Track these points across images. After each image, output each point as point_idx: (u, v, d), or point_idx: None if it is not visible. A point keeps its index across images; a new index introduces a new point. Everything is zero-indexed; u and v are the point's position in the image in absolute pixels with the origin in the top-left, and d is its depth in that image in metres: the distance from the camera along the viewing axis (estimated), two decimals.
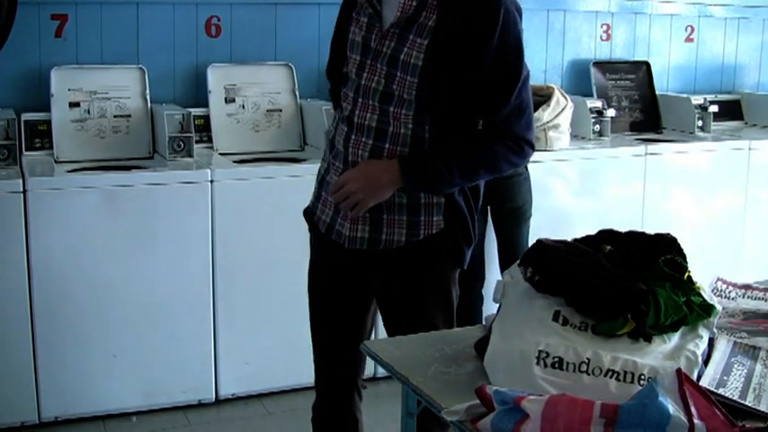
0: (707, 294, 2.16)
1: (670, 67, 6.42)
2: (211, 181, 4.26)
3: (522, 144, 2.66)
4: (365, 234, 2.70)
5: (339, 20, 2.85)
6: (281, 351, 4.45)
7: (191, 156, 4.50)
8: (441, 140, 2.63)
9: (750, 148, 5.70)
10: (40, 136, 4.57)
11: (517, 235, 4.66)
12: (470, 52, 2.55)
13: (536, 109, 4.80)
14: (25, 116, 4.54)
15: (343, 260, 2.79)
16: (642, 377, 1.91)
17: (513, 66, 2.60)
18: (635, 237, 2.23)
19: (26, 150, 4.51)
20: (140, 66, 4.76)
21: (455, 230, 2.75)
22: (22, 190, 4.01)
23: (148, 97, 4.72)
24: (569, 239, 2.23)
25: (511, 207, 4.65)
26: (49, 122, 4.56)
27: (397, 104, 2.61)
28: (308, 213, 2.91)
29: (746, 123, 6.43)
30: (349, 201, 2.62)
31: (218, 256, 4.31)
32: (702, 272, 2.30)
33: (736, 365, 2.06)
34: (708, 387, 1.88)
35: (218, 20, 5.00)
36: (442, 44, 2.55)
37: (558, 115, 5.04)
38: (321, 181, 2.85)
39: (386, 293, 2.83)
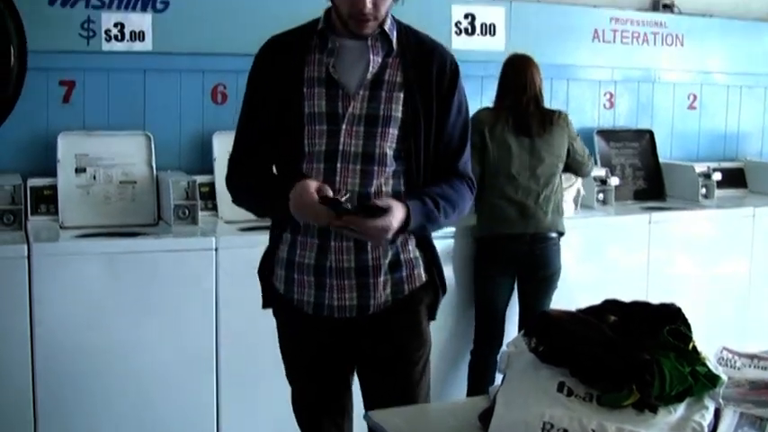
0: (712, 364, 2.15)
1: (673, 135, 6.46)
2: (216, 249, 4.26)
3: (473, 187, 2.86)
4: (353, 301, 2.73)
5: (252, 103, 2.83)
6: (285, 419, 4.40)
7: (195, 223, 4.51)
8: (414, 188, 2.71)
9: (754, 216, 5.72)
10: (46, 201, 4.57)
11: (544, 304, 4.67)
12: (438, 105, 2.72)
13: None
14: (31, 181, 4.56)
15: (330, 332, 2.79)
16: None
17: (466, 118, 2.83)
18: (639, 307, 2.23)
19: (31, 215, 4.52)
20: (146, 132, 4.79)
21: (436, 282, 2.84)
22: (26, 255, 4.00)
23: (154, 164, 4.74)
24: (574, 309, 2.22)
25: (543, 275, 4.69)
26: (54, 188, 4.58)
27: (379, 162, 2.67)
28: (280, 300, 2.86)
29: (750, 191, 6.45)
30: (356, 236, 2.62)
31: (221, 323, 4.29)
32: (708, 341, 2.29)
33: None
34: None
35: (225, 87, 5.04)
36: (414, 97, 2.69)
37: (566, 188, 5.05)
38: (288, 264, 2.79)
39: (372, 353, 2.84)
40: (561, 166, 4.76)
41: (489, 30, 5.64)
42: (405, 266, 2.77)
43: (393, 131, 2.67)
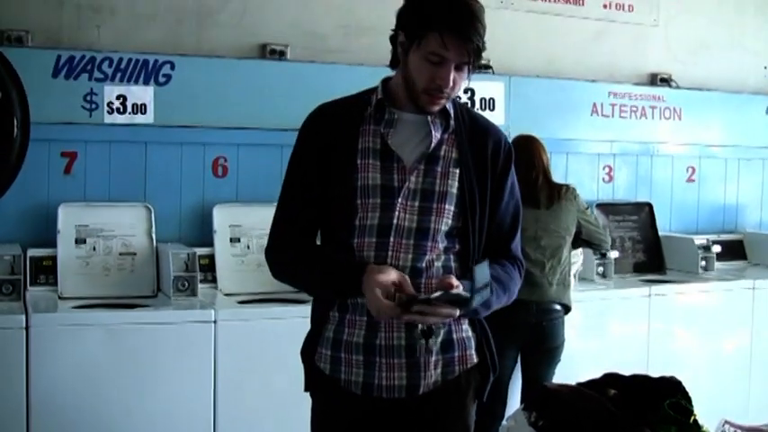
0: None
1: (672, 208, 6.48)
2: (215, 321, 4.24)
3: (523, 268, 2.80)
4: (403, 381, 2.62)
5: (299, 173, 2.72)
6: None
7: (195, 295, 4.50)
8: (466, 269, 2.63)
9: (754, 288, 5.72)
10: (45, 272, 4.57)
11: (547, 376, 4.65)
12: (492, 184, 2.69)
13: None
14: (31, 252, 4.57)
15: (377, 413, 2.66)
16: None
17: (518, 200, 2.79)
18: (639, 380, 2.22)
19: (31, 286, 4.51)
20: (147, 204, 4.81)
21: (487, 363, 2.76)
22: (25, 326, 3.99)
23: (154, 236, 4.75)
24: (574, 383, 2.21)
25: (548, 348, 4.67)
26: (54, 258, 4.58)
27: (432, 238, 2.60)
28: (324, 381, 2.72)
29: (750, 263, 6.45)
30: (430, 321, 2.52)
31: (219, 396, 4.25)
32: (709, 414, 2.27)
33: None
34: None
35: (225, 160, 5.07)
36: (470, 174, 2.65)
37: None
38: (335, 343, 2.68)
39: None
40: (569, 239, 4.76)
41: (489, 104, 5.68)
42: (457, 346, 2.69)
43: (449, 207, 2.62)
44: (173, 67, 4.94)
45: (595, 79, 6.16)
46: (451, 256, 2.65)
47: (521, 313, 4.61)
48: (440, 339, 2.65)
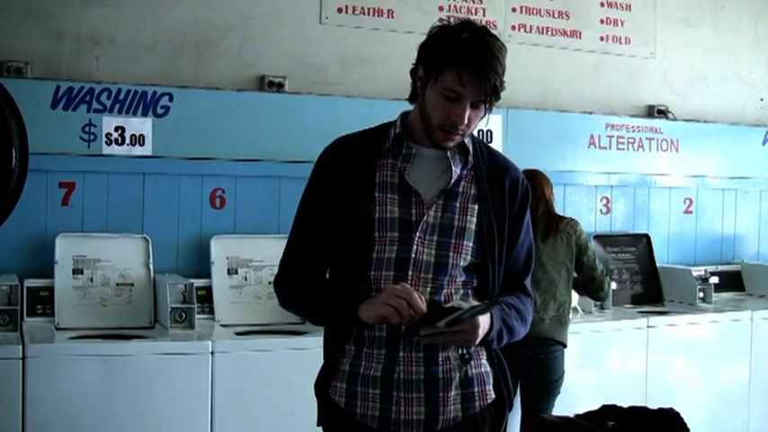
0: None
1: (670, 239, 6.49)
2: (212, 353, 4.23)
3: (533, 306, 2.81)
4: (421, 416, 2.58)
5: (314, 205, 2.70)
6: None
7: (192, 327, 4.49)
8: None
9: (752, 319, 5.72)
10: (42, 302, 4.57)
11: (547, 408, 4.61)
12: (509, 223, 2.69)
13: None
14: (28, 282, 4.56)
15: None
16: None
17: (533, 238, 2.81)
18: (637, 412, 2.22)
19: (27, 316, 4.50)
20: (144, 235, 4.81)
21: (504, 399, 2.73)
22: (21, 356, 3.97)
23: (152, 267, 4.75)
24: (572, 415, 2.21)
25: (547, 380, 4.64)
26: (51, 289, 4.58)
27: (450, 273, 2.60)
28: (339, 415, 2.68)
29: (748, 293, 6.45)
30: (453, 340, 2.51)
31: (216, 428, 4.23)
32: None
33: None
34: None
35: (223, 192, 5.08)
36: (489, 210, 2.65)
37: None
38: (351, 377, 2.64)
39: None
40: (565, 274, 4.71)
41: (486, 136, 5.70)
42: (476, 382, 2.66)
43: (468, 243, 2.62)
44: (171, 99, 4.96)
45: (593, 111, 6.19)
46: (470, 291, 2.64)
47: (518, 347, 4.58)
48: (459, 374, 2.63)
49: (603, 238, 6.11)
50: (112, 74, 4.96)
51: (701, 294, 5.94)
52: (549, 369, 4.62)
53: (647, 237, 6.27)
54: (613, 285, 5.60)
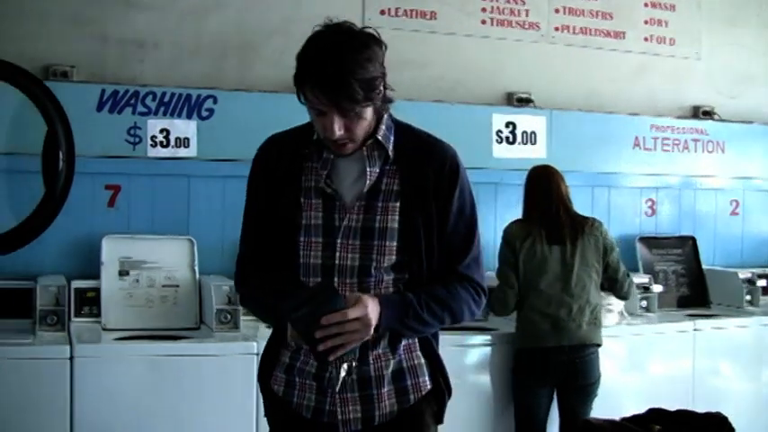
0: None
1: (716, 241, 6.43)
2: (257, 354, 4.22)
3: (480, 292, 2.70)
4: (358, 414, 2.61)
5: (253, 207, 2.75)
6: None
7: (237, 328, 4.51)
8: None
9: None
10: (89, 303, 4.61)
11: (585, 412, 4.58)
12: (437, 209, 2.61)
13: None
14: (75, 283, 4.60)
15: None
16: None
17: (471, 218, 2.69)
18: (684, 416, 2.20)
19: (75, 317, 4.54)
20: (189, 237, 4.84)
21: (441, 387, 2.73)
22: (69, 356, 4.02)
23: (197, 268, 4.78)
24: (617, 418, 2.20)
25: (583, 384, 4.61)
26: (98, 290, 4.62)
27: (376, 274, 2.57)
28: (277, 404, 2.72)
29: None
30: (343, 339, 2.41)
31: (261, 429, 4.25)
32: None
33: None
34: None
35: None
36: (412, 204, 2.58)
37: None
38: (289, 368, 2.67)
39: None
40: (596, 276, 4.70)
41: (530, 138, 5.68)
42: (409, 375, 2.67)
43: (390, 244, 2.57)
44: (215, 102, 5.00)
45: (637, 113, 6.14)
46: (401, 287, 2.61)
47: (552, 355, 4.57)
48: (390, 369, 2.63)
49: (648, 241, 6.07)
50: (157, 77, 5.00)
51: (748, 297, 5.87)
52: (585, 373, 4.59)
53: (692, 239, 6.22)
54: (657, 288, 5.60)
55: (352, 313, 2.37)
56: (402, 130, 2.68)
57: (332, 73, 2.39)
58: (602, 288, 4.84)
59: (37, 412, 4.00)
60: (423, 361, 2.70)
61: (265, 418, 2.80)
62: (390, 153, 2.61)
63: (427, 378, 2.70)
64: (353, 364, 2.54)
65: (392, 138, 2.63)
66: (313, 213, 2.59)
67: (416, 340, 2.68)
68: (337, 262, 2.56)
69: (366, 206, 2.58)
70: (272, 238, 2.65)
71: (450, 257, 2.65)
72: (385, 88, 2.55)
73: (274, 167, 2.69)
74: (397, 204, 2.58)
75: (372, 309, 2.42)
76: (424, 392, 2.68)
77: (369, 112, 2.51)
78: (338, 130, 2.46)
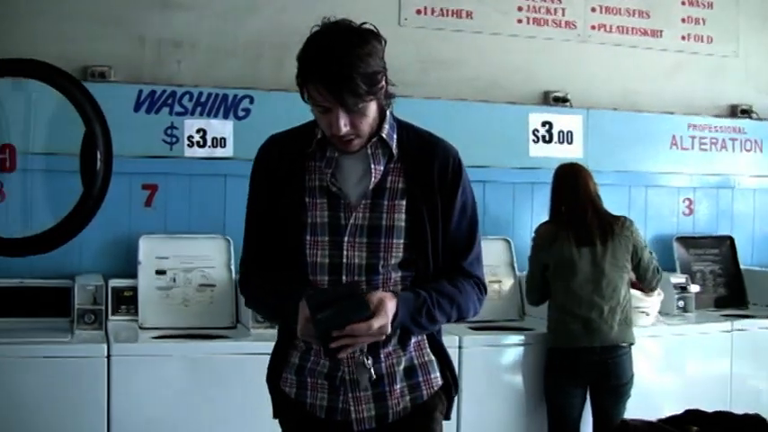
0: None
1: (754, 241, 6.37)
2: None
3: (482, 289, 2.73)
4: (371, 412, 2.63)
5: (255, 208, 2.76)
6: None
7: (274, 327, 4.48)
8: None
9: None
10: (126, 302, 4.63)
11: (618, 412, 4.56)
12: (441, 206, 2.62)
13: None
14: (112, 282, 4.64)
15: None
16: None
17: (473, 216, 2.71)
18: (722, 417, 2.18)
19: (112, 315, 4.57)
20: (226, 236, 4.86)
21: (450, 384, 2.75)
22: (106, 355, 4.06)
23: (233, 268, 4.79)
24: (654, 419, 2.19)
25: (616, 384, 4.58)
26: (135, 289, 4.65)
27: (384, 272, 2.59)
28: (290, 406, 2.72)
29: None
30: (358, 343, 2.44)
31: None
32: None
33: None
34: None
35: None
36: (418, 202, 2.60)
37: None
38: (300, 369, 2.68)
39: None
40: (626, 276, 4.67)
41: (567, 137, 5.67)
42: (420, 371, 2.69)
43: (398, 241, 2.59)
44: (252, 102, 5.02)
45: (674, 111, 6.10)
46: (407, 285, 2.62)
47: (584, 355, 4.55)
48: (402, 366, 2.65)
49: (686, 240, 6.02)
50: (194, 77, 5.03)
51: None
52: (617, 373, 4.56)
53: (730, 239, 6.17)
54: (694, 288, 5.55)
55: (377, 323, 2.38)
56: (404, 128, 2.69)
57: (334, 69, 2.40)
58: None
59: (74, 410, 4.03)
60: (433, 358, 2.73)
61: (277, 419, 2.79)
62: (395, 151, 2.62)
63: (438, 374, 2.73)
64: (369, 359, 2.55)
65: (395, 136, 2.64)
66: (318, 212, 2.60)
67: (425, 337, 2.71)
68: (345, 260, 2.57)
69: (372, 204, 2.59)
70: (275, 239, 2.65)
71: (454, 254, 2.67)
72: (387, 83, 2.55)
73: (276, 167, 2.70)
74: (404, 202, 2.60)
75: (392, 312, 2.44)
76: (435, 388, 2.71)
77: (373, 108, 2.52)
78: (344, 126, 2.47)
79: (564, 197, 4.74)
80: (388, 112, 2.62)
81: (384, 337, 2.46)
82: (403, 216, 2.59)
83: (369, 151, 2.59)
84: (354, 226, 2.58)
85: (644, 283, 4.86)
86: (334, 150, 2.60)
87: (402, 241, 2.59)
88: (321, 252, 2.59)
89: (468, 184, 2.71)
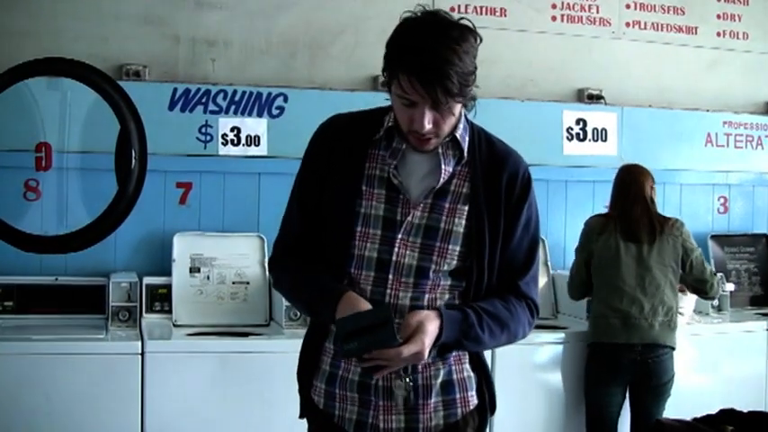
0: None
1: None
2: None
3: (534, 312, 2.58)
4: (401, 424, 2.48)
5: (305, 189, 2.59)
6: None
7: (307, 325, 4.50)
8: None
9: None
10: (160, 299, 4.67)
11: (657, 411, 4.51)
12: (505, 219, 2.49)
13: None
14: (147, 280, 4.68)
15: None
16: None
17: (535, 235, 2.58)
18: (758, 417, 2.17)
19: (146, 313, 4.62)
20: (260, 234, 4.88)
21: (486, 404, 2.60)
22: (140, 352, 4.08)
23: (267, 265, 4.79)
24: (689, 419, 2.17)
25: (657, 383, 4.55)
26: (169, 286, 4.68)
27: (434, 278, 2.45)
28: (318, 415, 2.60)
29: None
30: (393, 365, 2.32)
31: None
32: None
33: None
34: None
35: None
36: (481, 210, 2.47)
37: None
38: (330, 378, 2.54)
39: None
40: (672, 277, 4.64)
41: (601, 135, 5.64)
42: (458, 388, 2.54)
43: (453, 248, 2.45)
44: (286, 100, 5.03)
45: (709, 109, 6.05)
46: (456, 294, 2.50)
47: (625, 352, 4.53)
48: (440, 380, 2.51)
49: (721, 239, 5.98)
50: (228, 75, 5.05)
51: None
52: (658, 373, 4.53)
53: (766, 237, 6.12)
54: (730, 287, 5.49)
55: (408, 351, 2.25)
56: (476, 132, 2.55)
57: (432, 63, 2.26)
58: (690, 290, 4.80)
59: (109, 406, 4.07)
60: (472, 374, 2.58)
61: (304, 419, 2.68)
62: (465, 154, 2.48)
63: (474, 393, 2.58)
64: (408, 379, 2.44)
65: (467, 138, 2.51)
66: (374, 203, 2.46)
67: (465, 352, 2.56)
68: (394, 258, 2.43)
69: (432, 205, 2.45)
70: (320, 224, 2.52)
71: (511, 272, 2.54)
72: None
73: (335, 148, 2.53)
74: (465, 208, 2.47)
75: (430, 336, 2.30)
76: (471, 407, 2.57)
77: (458, 108, 2.39)
78: (428, 124, 2.33)
79: (619, 194, 4.75)
80: (463, 114, 2.49)
81: (421, 362, 2.36)
82: (463, 222, 2.46)
83: (440, 150, 2.45)
84: (410, 224, 2.44)
85: (705, 288, 4.80)
86: (401, 142, 2.45)
87: (458, 248, 2.46)
88: (370, 246, 2.45)
89: (535, 201, 2.57)
